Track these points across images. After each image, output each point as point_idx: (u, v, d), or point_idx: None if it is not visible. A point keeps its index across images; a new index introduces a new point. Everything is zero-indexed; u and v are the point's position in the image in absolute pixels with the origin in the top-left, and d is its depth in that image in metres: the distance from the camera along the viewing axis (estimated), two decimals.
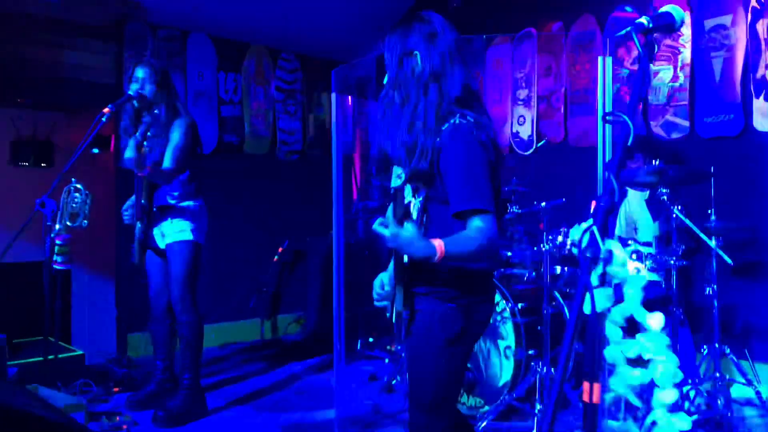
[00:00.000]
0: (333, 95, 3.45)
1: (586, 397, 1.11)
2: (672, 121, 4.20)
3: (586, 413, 1.10)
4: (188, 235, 3.48)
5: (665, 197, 3.18)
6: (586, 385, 1.11)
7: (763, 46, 3.82)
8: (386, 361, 4.26)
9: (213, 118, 5.26)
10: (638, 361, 1.11)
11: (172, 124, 3.40)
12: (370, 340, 4.80)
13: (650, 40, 1.35)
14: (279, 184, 5.72)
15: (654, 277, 3.29)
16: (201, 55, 5.19)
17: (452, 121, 1.84)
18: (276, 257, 5.63)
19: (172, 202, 3.47)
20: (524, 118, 4.96)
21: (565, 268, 3.43)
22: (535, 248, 3.46)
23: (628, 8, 4.43)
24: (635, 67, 4.38)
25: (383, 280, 2.11)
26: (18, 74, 4.44)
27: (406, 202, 1.95)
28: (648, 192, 3.72)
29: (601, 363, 1.18)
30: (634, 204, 3.86)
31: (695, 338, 3.53)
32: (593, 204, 3.07)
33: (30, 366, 3.70)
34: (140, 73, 3.42)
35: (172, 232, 3.47)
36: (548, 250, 3.27)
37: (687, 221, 3.14)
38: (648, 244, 3.39)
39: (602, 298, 1.04)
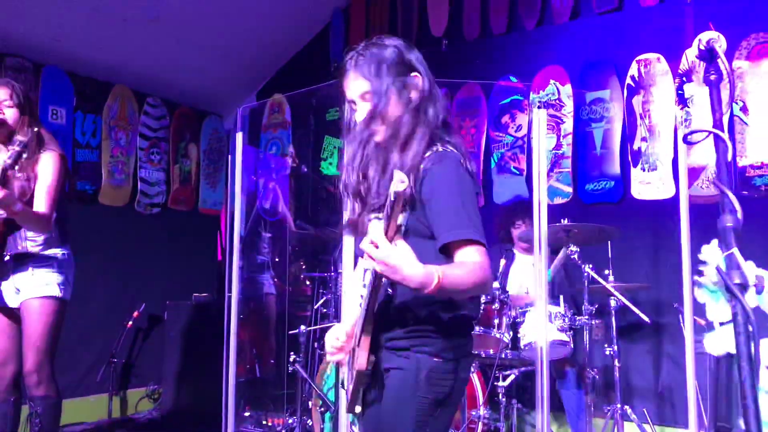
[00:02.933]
0: (239, 134, 3.13)
1: None
2: (555, 186, 4.35)
3: None
4: (54, 290, 2.89)
5: (576, 256, 3.21)
6: None
7: (638, 120, 4.11)
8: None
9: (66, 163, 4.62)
10: None
11: (39, 157, 2.87)
12: (246, 414, 4.33)
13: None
14: (137, 240, 5.14)
15: (562, 336, 3.27)
16: (57, 92, 4.60)
17: (435, 148, 1.67)
18: (130, 322, 4.96)
19: (35, 249, 2.90)
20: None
21: (478, 328, 3.31)
22: None
23: (512, 78, 4.60)
24: (519, 134, 4.53)
25: (337, 332, 1.82)
26: None
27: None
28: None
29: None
30: (525, 265, 3.90)
31: (597, 399, 3.54)
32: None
33: None
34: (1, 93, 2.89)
35: (33, 286, 2.87)
36: None
37: (600, 279, 3.18)
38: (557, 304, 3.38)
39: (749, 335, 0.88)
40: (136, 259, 5.11)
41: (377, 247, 1.42)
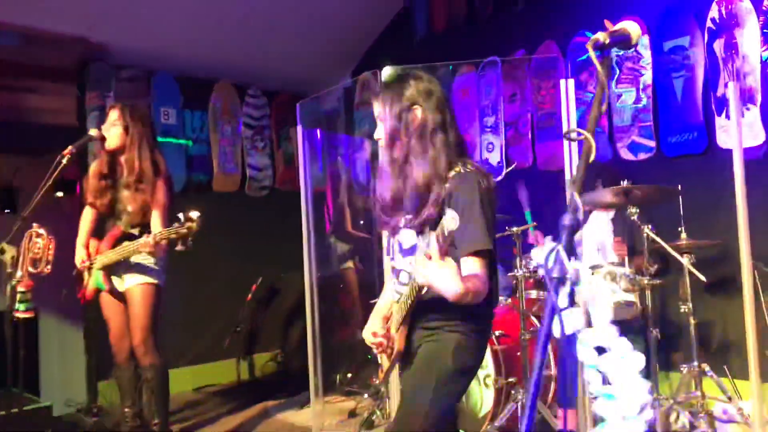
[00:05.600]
0: (299, 129, 3.42)
1: (561, 424, 1.07)
2: (638, 141, 4.24)
3: None
4: (151, 278, 3.38)
5: (635, 217, 3.18)
6: (560, 412, 1.06)
7: (720, 65, 3.89)
8: (365, 396, 4.17)
9: (180, 157, 5.20)
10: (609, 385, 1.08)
11: (152, 178, 3.30)
12: (349, 375, 4.71)
13: (607, 56, 1.34)
14: (250, 220, 5.65)
15: (629, 297, 3.27)
16: (166, 95, 5.16)
17: (457, 169, 1.93)
18: (250, 295, 5.52)
19: (143, 261, 3.38)
20: (493, 145, 4.98)
21: (541, 293, 3.40)
22: (509, 274, 3.43)
23: (588, 33, 4.49)
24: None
25: (373, 328, 2.12)
26: None
27: (409, 245, 2.00)
28: (613, 213, 3.74)
29: (574, 388, 1.14)
30: (600, 226, 3.86)
31: (675, 357, 3.52)
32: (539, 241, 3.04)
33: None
34: (111, 115, 3.36)
35: (135, 275, 3.37)
36: (522, 275, 3.24)
37: (659, 240, 3.14)
38: (620, 265, 3.38)
39: (572, 319, 1.01)
40: (251, 238, 5.62)
41: (429, 259, 1.68)
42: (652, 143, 4.19)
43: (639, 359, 1.05)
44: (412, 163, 1.93)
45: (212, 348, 5.43)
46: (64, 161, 3.14)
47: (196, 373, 5.30)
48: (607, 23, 1.37)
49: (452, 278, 1.67)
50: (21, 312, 3.33)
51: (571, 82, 2.75)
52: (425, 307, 1.94)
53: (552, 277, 1.00)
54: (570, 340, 1.04)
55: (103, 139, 3.33)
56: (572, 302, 1.04)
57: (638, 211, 3.20)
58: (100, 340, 4.46)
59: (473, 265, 1.83)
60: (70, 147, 3.15)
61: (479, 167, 1.97)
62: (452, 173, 1.92)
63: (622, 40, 1.37)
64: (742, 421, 3.21)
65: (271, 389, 4.99)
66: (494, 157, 4.96)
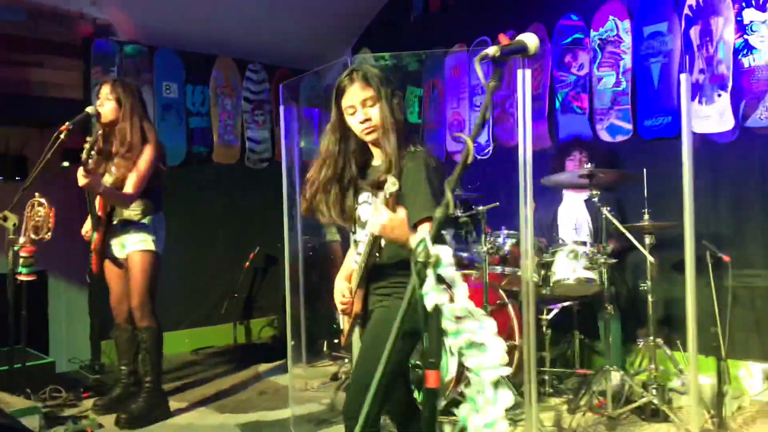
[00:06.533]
0: (281, 108, 3.61)
1: (427, 383, 1.28)
2: (616, 124, 4.38)
3: (427, 397, 1.26)
4: (149, 246, 3.63)
5: (596, 199, 3.36)
6: (427, 372, 1.28)
7: (696, 52, 4.00)
8: (346, 361, 4.42)
9: (181, 130, 5.42)
10: (471, 346, 1.29)
11: (139, 147, 3.52)
12: (336, 341, 4.96)
13: (499, 68, 1.51)
14: (249, 191, 5.87)
15: (588, 274, 3.46)
16: (168, 69, 5.36)
17: (410, 149, 2.17)
18: (247, 263, 5.78)
19: (135, 216, 3.62)
20: None
21: (506, 268, 3.60)
22: (473, 250, 3.63)
23: (573, 16, 4.61)
24: (581, 72, 4.57)
25: (342, 290, 2.36)
26: None
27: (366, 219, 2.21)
28: (587, 194, 3.91)
29: (439, 353, 1.35)
30: (576, 206, 4.04)
31: (637, 332, 3.71)
32: (533, 207, 3.22)
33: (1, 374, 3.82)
34: (103, 90, 3.57)
35: (133, 243, 3.62)
36: (486, 251, 3.44)
37: (615, 221, 3.32)
38: (585, 244, 3.56)
39: (436, 295, 1.21)
40: (250, 207, 5.86)
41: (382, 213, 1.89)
42: (629, 126, 4.33)
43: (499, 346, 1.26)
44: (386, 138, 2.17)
45: (211, 312, 5.72)
46: (62, 136, 3.36)
47: (194, 335, 5.60)
48: (501, 37, 1.54)
49: (402, 225, 1.87)
50: (24, 275, 3.61)
51: (528, 72, 2.90)
52: (379, 274, 2.17)
53: (417, 261, 1.20)
54: (435, 313, 1.24)
55: (99, 114, 3.54)
56: (439, 282, 1.25)
57: (599, 193, 3.36)
58: (103, 301, 4.76)
59: (422, 231, 2.01)
60: (67, 123, 3.37)
61: (427, 148, 2.22)
62: (405, 153, 2.17)
63: (518, 52, 1.54)
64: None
65: (266, 353, 5.26)
66: (481, 136, 5.12)
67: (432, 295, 1.21)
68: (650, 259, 3.27)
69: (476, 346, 1.28)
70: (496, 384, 1.35)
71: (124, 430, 3.49)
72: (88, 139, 3.26)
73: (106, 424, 3.56)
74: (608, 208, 3.38)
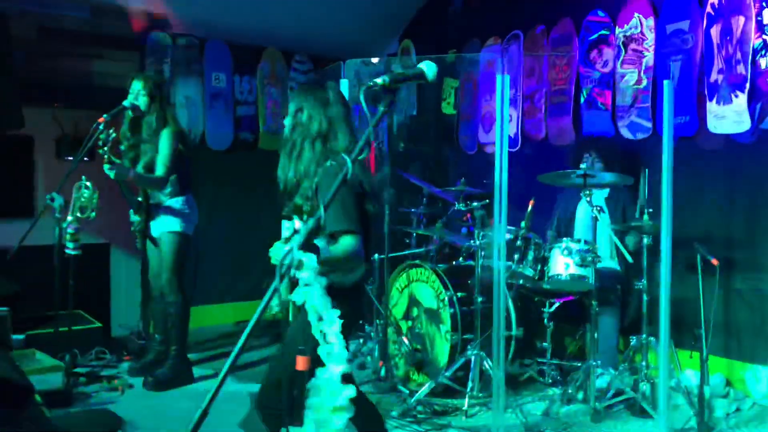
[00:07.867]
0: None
1: (298, 367, 1.52)
2: (636, 122, 4.38)
3: (299, 380, 1.50)
4: (176, 227, 4.01)
5: (588, 200, 3.44)
6: (298, 358, 1.51)
7: (715, 51, 3.95)
8: (360, 341, 4.68)
9: (229, 118, 5.79)
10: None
11: (160, 133, 3.91)
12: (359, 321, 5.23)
13: (388, 96, 1.67)
14: None
15: (581, 271, 3.56)
16: (218, 60, 5.73)
17: (326, 164, 2.32)
18: None
19: (164, 199, 4.01)
20: (510, 117, 5.22)
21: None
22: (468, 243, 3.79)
23: (600, 12, 4.61)
24: (606, 69, 4.58)
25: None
26: (54, 82, 5.11)
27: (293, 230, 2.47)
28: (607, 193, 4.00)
29: (309, 342, 1.58)
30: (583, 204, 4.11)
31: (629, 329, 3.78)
32: (531, 203, 3.39)
33: (47, 336, 4.29)
34: (135, 85, 3.96)
35: (163, 224, 4.01)
36: (477, 246, 3.61)
37: (605, 224, 3.40)
38: (580, 241, 3.65)
39: (299, 294, 1.45)
40: None
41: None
42: (648, 124, 4.32)
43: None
44: (299, 156, 2.40)
45: (255, 287, 6.11)
46: (101, 127, 3.76)
47: (238, 309, 6.02)
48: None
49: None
50: (71, 249, 4.06)
51: (507, 77, 3.01)
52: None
53: (281, 264, 1.43)
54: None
55: (135, 107, 3.93)
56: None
57: (590, 193, 3.45)
58: None
59: (344, 240, 2.20)
60: (104, 115, 3.76)
61: (344, 161, 2.35)
62: (321, 168, 2.32)
63: (412, 79, 1.71)
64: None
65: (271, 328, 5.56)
66: (511, 129, 5.21)
67: (298, 293, 1.45)
68: (629, 259, 3.34)
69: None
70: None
71: (150, 391, 3.91)
72: (101, 137, 3.65)
73: (136, 386, 3.99)
74: (599, 207, 3.45)
